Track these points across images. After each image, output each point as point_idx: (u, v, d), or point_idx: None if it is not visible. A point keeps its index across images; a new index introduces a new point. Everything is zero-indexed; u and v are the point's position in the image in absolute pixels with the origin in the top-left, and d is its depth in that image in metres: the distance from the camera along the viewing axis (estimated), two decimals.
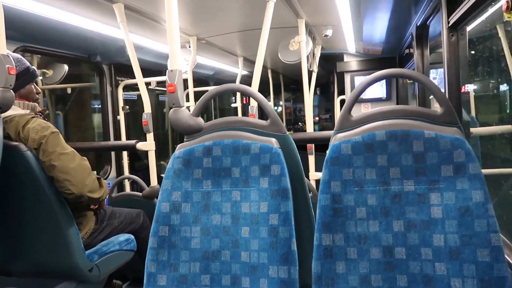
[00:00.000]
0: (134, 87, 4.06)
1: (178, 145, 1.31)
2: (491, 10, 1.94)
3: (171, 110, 1.33)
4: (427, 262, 1.04)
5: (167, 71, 1.31)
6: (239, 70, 4.56)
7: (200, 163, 1.26)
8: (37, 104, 1.89)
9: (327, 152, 1.14)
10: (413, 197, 1.08)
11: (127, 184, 3.56)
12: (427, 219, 1.06)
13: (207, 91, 1.36)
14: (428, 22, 2.65)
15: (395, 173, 1.10)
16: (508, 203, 2.05)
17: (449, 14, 1.84)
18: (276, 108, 9.64)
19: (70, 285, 1.87)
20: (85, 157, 1.84)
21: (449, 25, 1.83)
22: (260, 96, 1.34)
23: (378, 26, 3.27)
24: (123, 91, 3.66)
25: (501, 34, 2.50)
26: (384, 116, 1.15)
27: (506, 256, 1.38)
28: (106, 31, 2.72)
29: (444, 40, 1.88)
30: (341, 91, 5.47)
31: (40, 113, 1.87)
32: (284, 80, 7.33)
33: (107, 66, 3.60)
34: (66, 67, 3.38)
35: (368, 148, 1.11)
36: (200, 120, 1.34)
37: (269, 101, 6.57)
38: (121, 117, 3.56)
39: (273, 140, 1.24)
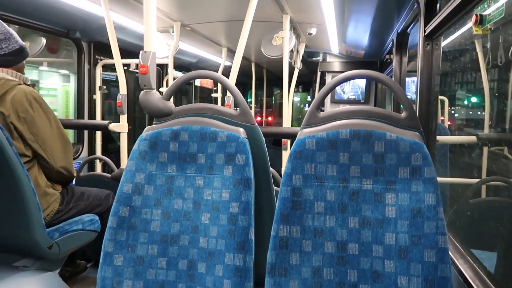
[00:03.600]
0: (115, 68, 3.99)
1: (146, 128, 1.30)
2: (468, 25, 2.00)
3: (142, 91, 1.32)
4: (378, 259, 1.08)
5: (140, 52, 1.30)
6: (222, 60, 4.53)
7: (166, 146, 1.26)
8: (28, 78, 1.89)
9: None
10: (370, 195, 1.11)
11: (98, 165, 3.51)
12: (381, 217, 1.09)
13: None
14: (408, 30, 2.71)
15: (355, 171, 1.13)
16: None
17: (426, 24, 1.88)
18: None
19: (29, 262, 1.84)
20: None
21: (425, 34, 1.87)
22: (231, 85, 1.35)
23: (361, 29, 3.32)
24: (103, 71, 3.60)
25: (478, 49, 2.58)
26: (350, 115, 1.17)
27: (453, 257, 1.45)
28: (87, 7, 2.67)
29: (420, 48, 1.93)
30: None
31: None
32: (267, 76, 7.34)
33: (86, 43, 3.52)
34: (44, 40, 3.28)
35: (332, 145, 1.13)
36: (170, 104, 1.33)
37: (249, 95, 6.57)
38: (97, 96, 3.50)
39: (241, 130, 1.25)
